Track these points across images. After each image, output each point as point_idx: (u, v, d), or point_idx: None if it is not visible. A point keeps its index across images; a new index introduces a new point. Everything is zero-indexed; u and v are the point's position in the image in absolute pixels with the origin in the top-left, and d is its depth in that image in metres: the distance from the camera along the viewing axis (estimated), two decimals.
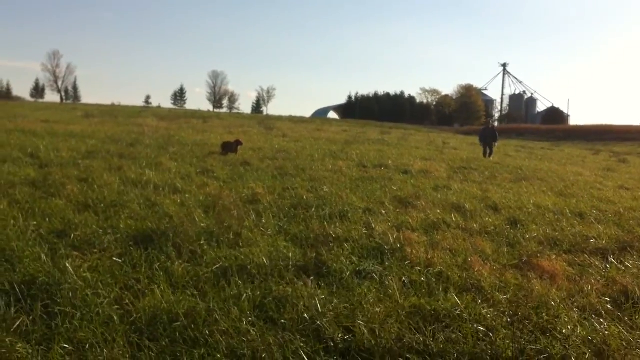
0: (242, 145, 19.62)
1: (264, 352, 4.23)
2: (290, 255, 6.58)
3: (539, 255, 7.36)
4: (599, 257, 7.58)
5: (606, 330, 4.97)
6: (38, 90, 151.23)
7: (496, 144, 28.23)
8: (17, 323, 4.45)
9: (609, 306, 5.63)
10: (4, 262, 5.74)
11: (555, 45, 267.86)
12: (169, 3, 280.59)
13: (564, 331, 4.87)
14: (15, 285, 5.11)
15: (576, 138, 68.93)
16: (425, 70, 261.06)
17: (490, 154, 26.92)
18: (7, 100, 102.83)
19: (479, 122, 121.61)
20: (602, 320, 5.23)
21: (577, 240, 8.35)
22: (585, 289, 6.06)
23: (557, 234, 8.67)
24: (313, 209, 9.28)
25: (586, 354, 4.50)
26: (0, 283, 5.20)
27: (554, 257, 7.33)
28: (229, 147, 18.84)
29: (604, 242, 8.30)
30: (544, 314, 5.20)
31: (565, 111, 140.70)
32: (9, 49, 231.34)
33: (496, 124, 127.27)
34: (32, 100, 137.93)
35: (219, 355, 4.17)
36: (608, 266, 7.10)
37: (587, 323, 5.13)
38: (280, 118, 78.40)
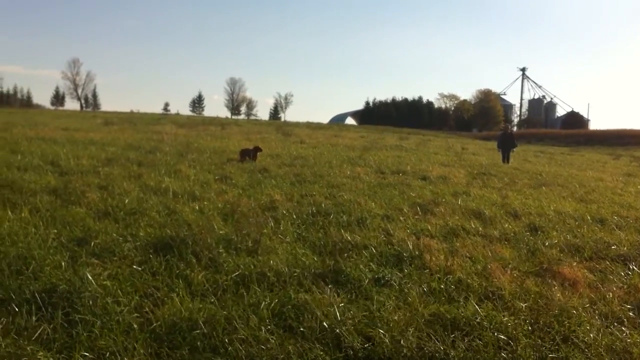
0: (261, 152, 19.45)
1: None
2: (308, 262, 6.57)
3: (559, 262, 7.31)
4: (621, 263, 7.50)
5: (628, 338, 4.91)
6: (58, 98, 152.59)
7: (515, 150, 27.79)
8: (39, 331, 4.48)
9: (631, 314, 5.57)
10: (25, 271, 5.78)
11: (574, 49, 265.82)
12: (186, 11, 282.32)
13: (585, 339, 4.82)
14: (36, 294, 5.15)
15: (596, 143, 68.24)
16: (444, 75, 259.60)
17: (508, 160, 26.54)
18: (27, 108, 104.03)
19: (497, 127, 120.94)
20: (624, 328, 5.18)
21: (598, 246, 8.27)
22: (607, 296, 6.00)
23: (577, 240, 8.59)
24: (331, 216, 9.27)
25: None
26: (22, 291, 5.24)
27: (575, 264, 7.27)
28: (247, 154, 18.71)
29: (625, 248, 8.21)
30: (565, 322, 5.15)
31: (585, 116, 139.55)
32: (29, 58, 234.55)
33: (515, 128, 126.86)
34: (52, 108, 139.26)
35: None
36: (630, 273, 7.02)
37: (609, 331, 5.08)
38: (297, 124, 78.50)
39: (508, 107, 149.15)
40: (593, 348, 4.66)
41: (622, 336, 4.95)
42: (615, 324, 5.27)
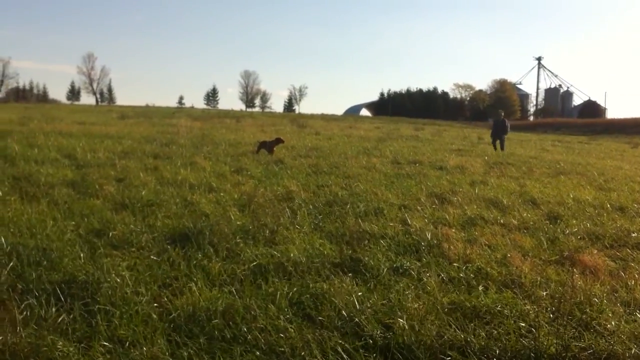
0: (283, 144, 18.92)
1: (303, 349, 4.20)
2: (326, 252, 6.56)
3: (580, 250, 7.22)
4: None
5: None
6: (74, 93, 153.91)
7: (506, 136, 27.20)
8: (58, 321, 4.49)
9: None
10: (45, 262, 5.80)
11: (591, 37, 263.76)
12: (200, 4, 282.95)
13: (608, 327, 4.75)
14: (56, 285, 5.18)
15: (614, 131, 67.58)
16: (458, 66, 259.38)
17: (502, 147, 26.20)
18: (44, 103, 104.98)
19: (514, 117, 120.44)
20: None
21: (619, 234, 8.17)
22: (629, 283, 5.92)
23: (598, 228, 8.49)
24: (348, 206, 9.23)
25: (632, 349, 4.38)
26: (41, 282, 5.26)
27: (595, 252, 7.18)
28: (264, 146, 18.21)
29: None
30: (587, 310, 5.08)
31: (603, 104, 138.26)
32: (45, 53, 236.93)
33: (531, 118, 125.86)
34: (68, 102, 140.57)
35: (257, 353, 4.16)
36: None
37: (632, 318, 5.01)
38: (312, 116, 78.55)
39: (524, 96, 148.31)
40: (616, 335, 4.58)
41: None
42: (638, 311, 5.20)
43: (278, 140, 18.61)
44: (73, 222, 7.45)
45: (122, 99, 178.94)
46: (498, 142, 26.47)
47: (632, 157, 27.60)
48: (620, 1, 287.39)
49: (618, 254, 7.25)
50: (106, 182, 10.53)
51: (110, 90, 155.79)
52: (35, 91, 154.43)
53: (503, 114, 28.03)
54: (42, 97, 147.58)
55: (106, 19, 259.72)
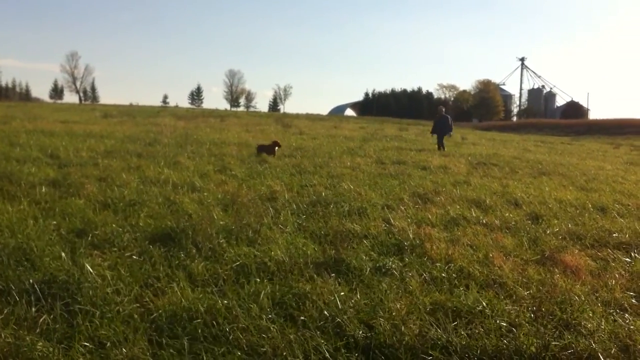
0: (280, 148, 18.38)
1: (285, 349, 4.20)
2: (309, 252, 6.55)
3: (561, 250, 7.28)
4: (622, 251, 7.47)
5: (631, 325, 4.88)
6: (57, 92, 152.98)
7: (451, 133, 25.56)
8: (39, 322, 4.46)
9: (633, 301, 5.55)
10: (25, 262, 5.76)
11: (574, 39, 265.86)
12: (184, 3, 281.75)
13: (588, 326, 4.79)
14: (36, 285, 5.13)
15: (596, 132, 68.10)
16: (443, 66, 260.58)
17: (443, 146, 24.72)
18: (26, 102, 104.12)
19: (497, 117, 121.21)
20: (627, 315, 5.15)
21: (600, 234, 8.23)
22: (609, 283, 5.97)
23: (579, 228, 8.56)
24: (331, 206, 9.24)
25: (612, 349, 4.42)
26: (21, 282, 5.21)
27: (576, 251, 7.24)
28: (264, 149, 17.76)
29: (627, 236, 8.18)
30: (567, 309, 5.12)
31: (585, 105, 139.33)
32: (27, 51, 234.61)
33: (514, 118, 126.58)
34: (51, 101, 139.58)
35: (239, 353, 4.15)
36: (632, 260, 6.99)
37: (611, 318, 5.05)
38: (297, 116, 78.39)
39: (507, 97, 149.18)
40: (596, 335, 4.62)
41: (624, 323, 4.93)
42: (618, 311, 5.25)
43: (275, 144, 18.24)
44: (54, 222, 7.38)
45: (106, 97, 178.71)
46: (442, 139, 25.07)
47: (613, 157, 27.82)
48: (603, 4, 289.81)
49: (599, 253, 7.31)
50: (88, 182, 10.46)
51: (93, 89, 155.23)
52: (17, 89, 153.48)
53: (444, 109, 26.11)
54: (25, 96, 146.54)
55: (90, 18, 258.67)
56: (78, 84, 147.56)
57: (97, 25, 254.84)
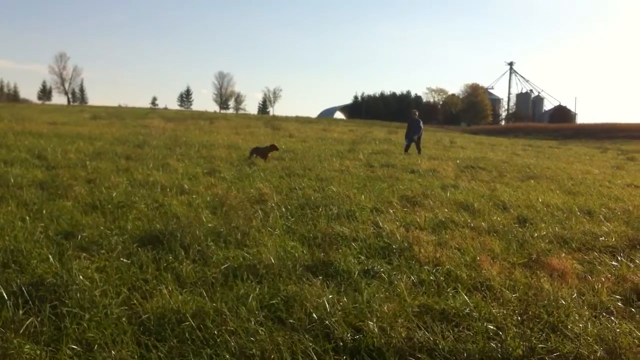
0: (277, 151, 18.12)
1: (273, 352, 4.21)
2: (297, 254, 6.55)
3: (548, 253, 7.33)
4: (609, 255, 7.52)
5: (617, 328, 4.92)
6: (45, 93, 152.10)
7: (417, 136, 24.77)
8: (26, 324, 4.43)
9: (619, 304, 5.59)
10: (12, 264, 5.73)
11: (562, 44, 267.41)
12: (174, 5, 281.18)
13: (575, 329, 4.82)
14: (23, 287, 5.10)
15: (584, 136, 68.61)
16: (431, 69, 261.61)
17: (418, 149, 24.51)
18: (14, 103, 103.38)
19: (486, 121, 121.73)
20: (613, 318, 5.19)
21: (587, 238, 8.29)
22: (596, 287, 6.02)
23: (566, 232, 8.62)
24: (320, 209, 9.25)
25: (597, 352, 4.45)
26: (8, 284, 5.19)
27: (563, 255, 7.29)
28: (257, 152, 17.49)
29: (613, 240, 8.24)
30: (554, 312, 5.15)
31: (573, 109, 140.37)
32: (16, 52, 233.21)
33: (503, 122, 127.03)
34: (40, 102, 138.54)
35: (227, 355, 4.15)
36: (618, 264, 7.04)
37: (598, 321, 5.09)
38: (286, 118, 78.35)
39: (496, 101, 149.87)
40: (582, 338, 4.66)
41: (611, 326, 4.96)
42: (604, 314, 5.29)
43: (272, 147, 17.90)
44: (42, 224, 7.35)
45: (95, 99, 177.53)
46: (413, 145, 24.75)
47: (600, 161, 28.02)
48: (591, 9, 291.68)
49: (585, 257, 7.36)
50: (76, 184, 10.43)
51: (82, 90, 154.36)
52: (5, 90, 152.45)
53: (417, 113, 25.69)
54: (13, 97, 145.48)
55: (79, 19, 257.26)
56: (66, 85, 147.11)
57: (86, 26, 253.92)
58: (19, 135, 21.03)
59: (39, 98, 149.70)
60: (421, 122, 25.18)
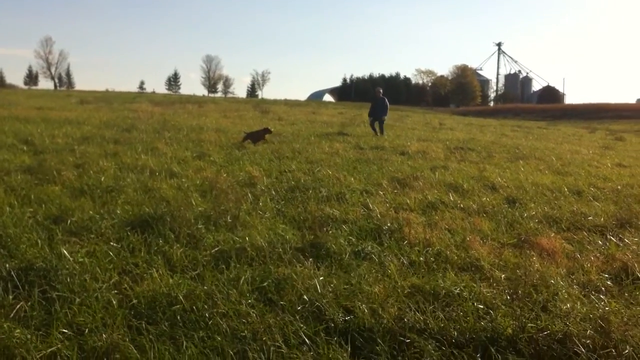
0: (270, 134, 17.88)
1: (264, 334, 4.21)
2: (288, 237, 6.56)
3: (537, 233, 7.36)
4: (598, 234, 7.57)
5: (606, 307, 4.95)
6: (31, 78, 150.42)
7: (385, 117, 23.80)
8: (16, 309, 4.42)
9: (608, 283, 5.62)
10: (1, 249, 5.71)
11: (550, 24, 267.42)
12: None
13: (564, 308, 4.85)
14: (13, 272, 5.08)
15: (572, 117, 68.68)
16: (420, 50, 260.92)
17: (381, 131, 23.27)
18: (0, 88, 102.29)
19: (474, 102, 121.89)
20: (602, 296, 5.22)
21: (576, 218, 8.34)
22: (585, 266, 6.06)
23: (555, 212, 8.66)
24: (310, 191, 9.25)
25: (587, 330, 4.47)
26: None
27: (552, 235, 7.32)
28: (251, 137, 17.25)
29: (602, 219, 8.28)
30: (543, 292, 5.19)
31: (561, 90, 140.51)
32: (1, 37, 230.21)
33: (492, 103, 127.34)
34: (26, 87, 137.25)
35: (219, 337, 4.15)
36: (607, 243, 7.09)
37: (587, 300, 5.12)
38: (275, 102, 77.97)
39: (484, 82, 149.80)
40: (571, 316, 4.68)
41: (600, 305, 4.99)
42: (594, 293, 5.31)
43: (266, 130, 17.86)
44: (31, 209, 7.33)
45: (82, 83, 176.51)
46: (377, 124, 23.59)
47: (589, 142, 28.09)
48: None
49: (574, 236, 7.40)
50: (65, 168, 10.37)
51: (69, 74, 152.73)
52: None
53: (382, 91, 24.37)
54: None
55: (64, 2, 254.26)
56: (53, 69, 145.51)
57: (71, 10, 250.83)
58: (6, 120, 20.87)
59: (25, 83, 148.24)
60: (387, 101, 23.71)
